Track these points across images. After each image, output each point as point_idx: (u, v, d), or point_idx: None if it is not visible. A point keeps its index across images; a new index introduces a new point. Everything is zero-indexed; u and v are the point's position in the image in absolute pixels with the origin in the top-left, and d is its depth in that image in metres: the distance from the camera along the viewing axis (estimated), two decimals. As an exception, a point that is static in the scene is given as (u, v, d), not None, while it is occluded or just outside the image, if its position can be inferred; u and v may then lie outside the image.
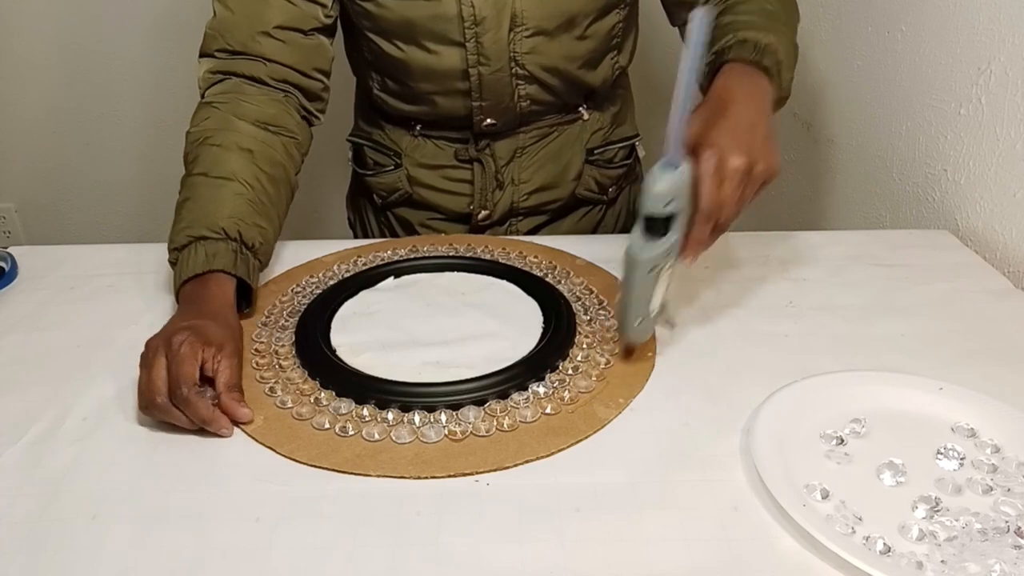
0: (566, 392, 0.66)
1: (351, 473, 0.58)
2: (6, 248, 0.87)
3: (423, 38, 0.86)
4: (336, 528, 0.53)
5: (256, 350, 0.72)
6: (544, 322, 0.75)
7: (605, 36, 0.92)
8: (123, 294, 0.82)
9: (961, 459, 0.59)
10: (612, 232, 1.10)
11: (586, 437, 0.61)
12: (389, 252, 0.89)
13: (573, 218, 1.06)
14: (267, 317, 0.77)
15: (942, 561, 0.50)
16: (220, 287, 0.72)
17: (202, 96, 0.84)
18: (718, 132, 0.63)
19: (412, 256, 0.88)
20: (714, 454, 0.60)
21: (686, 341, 0.74)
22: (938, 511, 0.54)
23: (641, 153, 1.09)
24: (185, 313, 0.69)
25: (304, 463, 0.59)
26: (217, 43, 0.84)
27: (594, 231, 1.08)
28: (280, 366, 0.69)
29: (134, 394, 0.66)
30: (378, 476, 0.58)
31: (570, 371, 0.69)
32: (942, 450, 0.59)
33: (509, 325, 0.75)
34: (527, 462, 0.59)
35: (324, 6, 0.85)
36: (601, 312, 0.77)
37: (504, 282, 0.82)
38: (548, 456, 0.59)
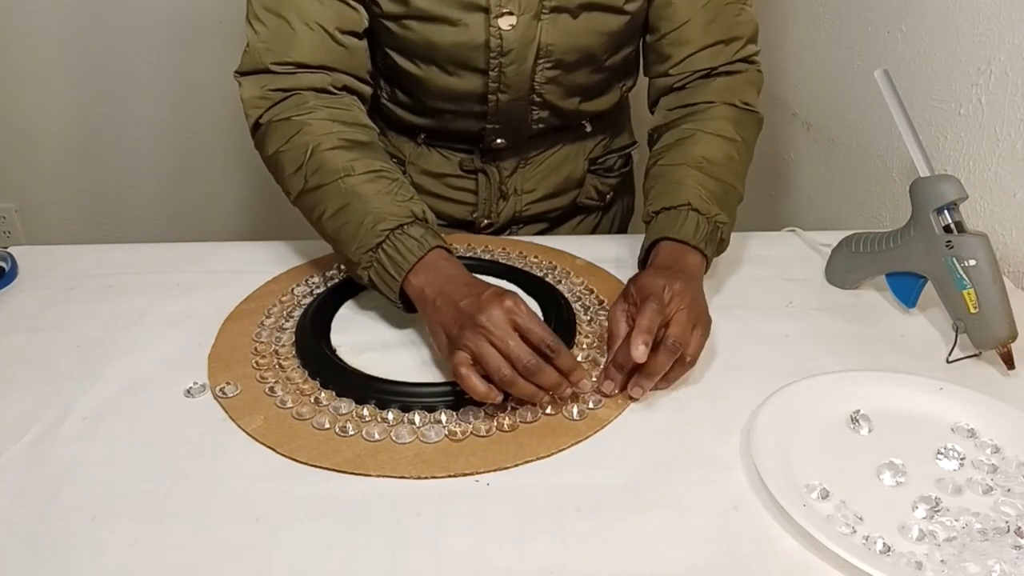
0: (566, 392, 0.66)
1: (351, 473, 0.58)
2: (6, 248, 0.87)
3: (444, 61, 0.85)
4: (336, 528, 0.53)
5: (256, 350, 0.72)
6: (544, 322, 0.75)
7: (619, 67, 0.93)
8: (123, 294, 0.82)
9: (961, 459, 0.59)
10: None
11: (586, 437, 0.61)
12: None
13: (571, 224, 1.07)
14: (267, 317, 0.77)
15: (942, 561, 0.50)
16: (451, 261, 0.70)
17: (259, 118, 0.79)
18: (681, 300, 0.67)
19: None
20: (714, 454, 0.60)
21: (686, 341, 0.74)
22: (938, 511, 0.54)
23: (635, 157, 1.09)
24: (457, 286, 0.66)
25: (304, 463, 0.59)
26: (272, 56, 0.78)
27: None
28: (280, 366, 0.69)
29: (134, 394, 0.66)
30: (378, 476, 0.58)
31: None
32: (942, 450, 0.59)
33: None
34: (527, 462, 0.59)
35: (366, 7, 0.83)
36: (601, 312, 0.77)
37: (504, 282, 0.82)
38: (548, 456, 0.59)
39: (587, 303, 0.79)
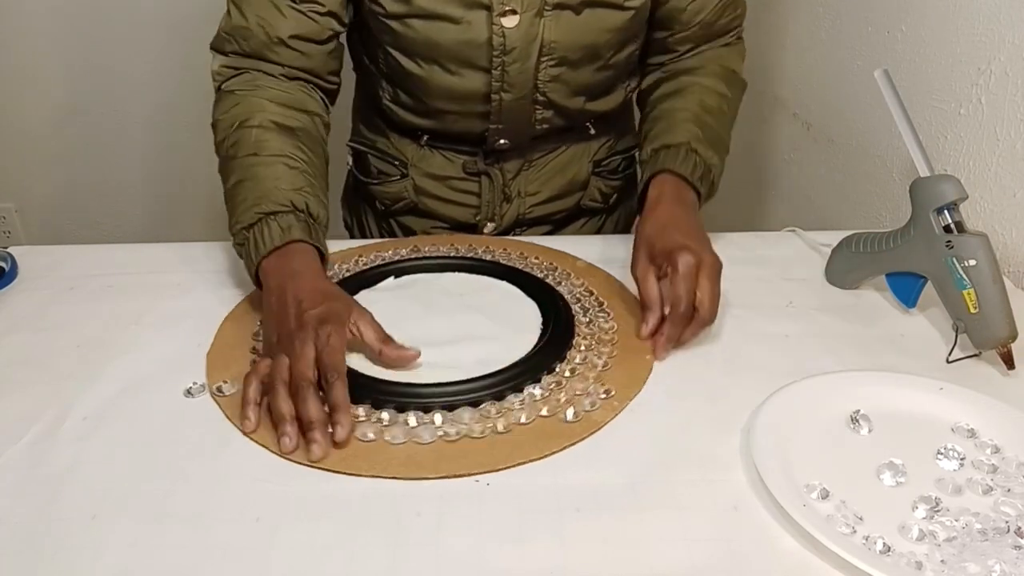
0: (562, 394, 0.65)
1: (343, 473, 0.58)
2: (6, 248, 0.87)
3: (446, 60, 0.85)
4: (336, 528, 0.53)
5: (255, 348, 0.72)
6: (542, 324, 0.75)
7: (623, 66, 0.93)
8: (123, 294, 0.82)
9: (961, 459, 0.59)
10: None
11: (580, 440, 0.61)
12: (390, 252, 0.89)
13: (575, 227, 1.07)
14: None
15: (942, 561, 0.50)
16: (306, 258, 0.72)
17: (218, 87, 0.84)
18: (684, 240, 0.73)
19: (413, 256, 0.88)
20: (714, 454, 0.60)
21: (686, 341, 0.74)
22: (938, 511, 0.54)
23: (639, 159, 1.09)
24: (295, 289, 0.68)
25: (298, 463, 0.59)
26: (232, 46, 0.84)
27: None
28: None
29: (134, 394, 0.66)
30: (370, 476, 0.57)
31: (567, 373, 0.68)
32: (942, 450, 0.59)
33: (507, 326, 0.74)
34: (519, 464, 0.58)
35: (339, 17, 0.84)
36: (600, 314, 0.77)
37: (504, 283, 0.82)
38: (542, 458, 0.59)
39: (586, 304, 0.79)
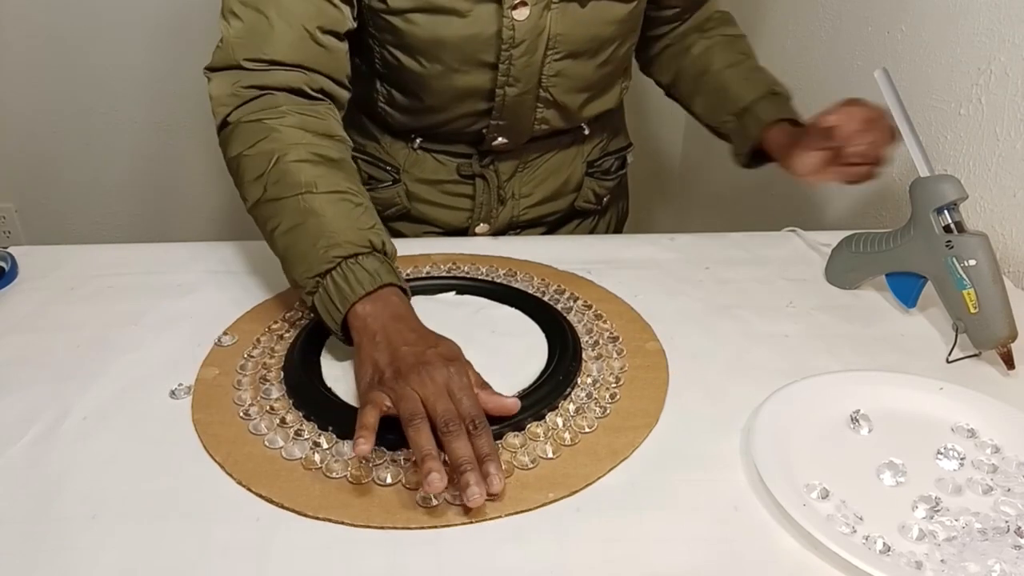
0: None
1: (255, 493, 0.56)
2: (6, 248, 0.87)
3: (451, 58, 0.83)
4: (335, 528, 0.53)
5: (270, 328, 0.74)
6: (541, 371, 0.68)
7: (620, 62, 0.93)
8: (123, 294, 0.82)
9: (961, 459, 0.59)
10: None
11: (529, 510, 0.55)
12: (429, 267, 0.86)
13: (568, 229, 1.06)
14: (274, 323, 0.77)
15: (942, 561, 0.50)
16: (402, 301, 0.67)
17: (227, 115, 0.75)
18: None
19: (476, 277, 0.84)
20: (714, 454, 0.60)
21: (686, 341, 0.74)
22: (938, 511, 0.54)
23: (630, 160, 1.08)
24: (403, 330, 0.64)
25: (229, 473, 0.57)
26: (246, 52, 0.74)
27: None
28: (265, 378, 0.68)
29: (134, 394, 0.66)
30: (280, 507, 0.55)
31: (558, 423, 0.62)
32: (942, 450, 0.59)
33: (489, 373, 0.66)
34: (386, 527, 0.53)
35: (352, 7, 0.80)
36: (610, 342, 0.72)
37: (511, 308, 0.78)
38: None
39: (597, 338, 0.73)
